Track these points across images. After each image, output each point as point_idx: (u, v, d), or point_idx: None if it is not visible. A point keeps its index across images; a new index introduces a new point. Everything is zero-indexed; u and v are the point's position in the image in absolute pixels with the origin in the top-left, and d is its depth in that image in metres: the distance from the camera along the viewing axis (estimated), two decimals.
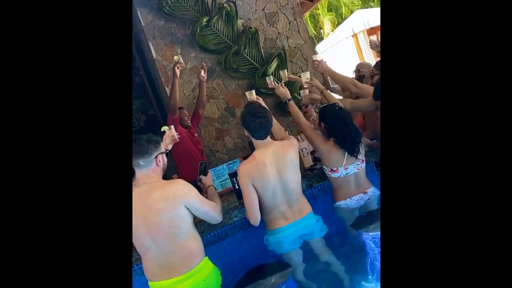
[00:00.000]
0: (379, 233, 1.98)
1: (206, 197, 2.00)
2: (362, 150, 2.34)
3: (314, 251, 2.21)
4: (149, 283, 1.86)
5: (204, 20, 4.37)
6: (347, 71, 4.70)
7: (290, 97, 2.64)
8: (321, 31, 14.58)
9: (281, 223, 2.12)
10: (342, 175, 2.32)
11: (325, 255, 2.21)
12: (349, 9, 13.58)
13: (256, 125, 2.05)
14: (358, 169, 2.34)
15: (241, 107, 4.65)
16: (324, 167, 2.40)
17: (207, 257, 1.90)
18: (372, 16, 10.66)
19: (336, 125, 2.28)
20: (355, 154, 2.29)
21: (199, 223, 2.10)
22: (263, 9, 4.75)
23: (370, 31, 10.93)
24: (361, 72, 3.58)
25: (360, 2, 14.04)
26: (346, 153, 2.29)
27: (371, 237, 2.03)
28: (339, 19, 13.54)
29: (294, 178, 2.13)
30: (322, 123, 2.38)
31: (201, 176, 2.19)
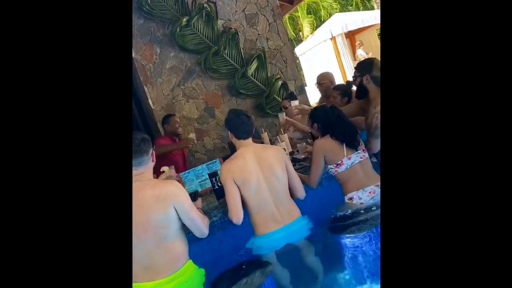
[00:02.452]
0: (356, 235, 2.03)
1: None
2: (360, 140, 2.38)
3: (297, 250, 2.22)
4: None
5: (184, 20, 4.36)
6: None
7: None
8: (300, 33, 14.74)
9: (272, 227, 2.10)
10: (348, 166, 2.31)
11: (307, 254, 2.22)
12: (328, 12, 13.77)
13: (239, 121, 2.17)
14: (361, 158, 2.33)
15: (220, 107, 4.66)
16: (329, 168, 2.38)
17: (190, 260, 1.87)
18: (350, 20, 10.89)
19: (332, 122, 2.32)
20: (356, 146, 2.32)
21: None
22: (243, 10, 4.77)
23: (348, 34, 11.16)
24: (322, 85, 3.67)
25: (339, 6, 14.28)
26: (345, 144, 2.32)
27: (346, 238, 2.06)
28: (318, 22, 13.73)
29: (278, 178, 2.14)
30: (315, 124, 2.41)
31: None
